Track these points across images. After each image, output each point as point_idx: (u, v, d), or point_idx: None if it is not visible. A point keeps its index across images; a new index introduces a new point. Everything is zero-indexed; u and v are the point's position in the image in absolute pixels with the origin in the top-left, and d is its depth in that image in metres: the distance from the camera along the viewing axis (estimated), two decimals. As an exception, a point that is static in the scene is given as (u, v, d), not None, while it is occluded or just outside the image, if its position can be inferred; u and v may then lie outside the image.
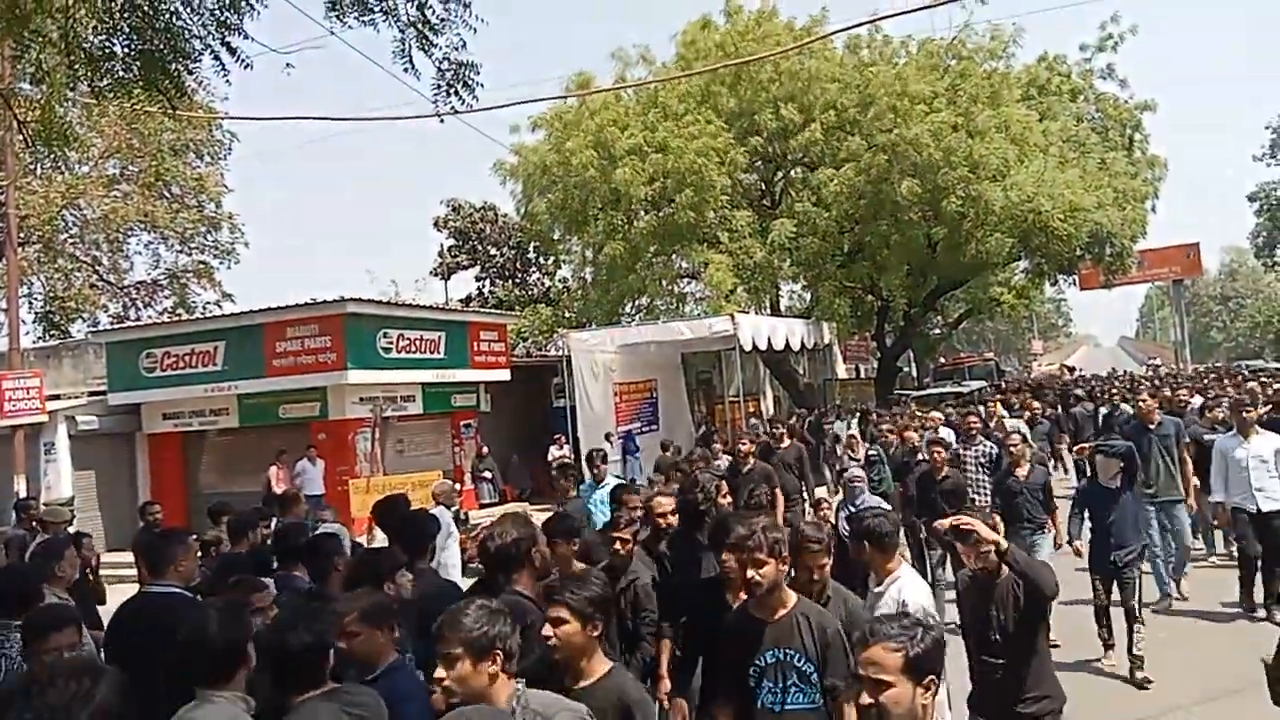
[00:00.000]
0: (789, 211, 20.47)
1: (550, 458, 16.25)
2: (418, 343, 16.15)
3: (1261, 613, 7.40)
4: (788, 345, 18.55)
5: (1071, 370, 44.44)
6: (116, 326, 22.44)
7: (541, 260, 32.50)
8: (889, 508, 6.88)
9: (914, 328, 26.33)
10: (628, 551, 4.56)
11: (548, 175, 20.87)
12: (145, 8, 5.22)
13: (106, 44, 5.32)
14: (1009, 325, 60.53)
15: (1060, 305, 76.43)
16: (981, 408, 13.17)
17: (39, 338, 25.28)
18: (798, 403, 22.69)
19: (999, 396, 19.83)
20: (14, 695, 2.02)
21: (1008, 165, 18.92)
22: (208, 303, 28.77)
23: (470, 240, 33.43)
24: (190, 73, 5.81)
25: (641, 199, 19.76)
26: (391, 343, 15.53)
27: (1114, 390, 19.86)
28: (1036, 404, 16.57)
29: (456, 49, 5.50)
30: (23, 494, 12.99)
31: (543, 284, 32.88)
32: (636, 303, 22.73)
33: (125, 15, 5.23)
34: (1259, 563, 7.43)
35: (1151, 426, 8.45)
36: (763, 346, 17.35)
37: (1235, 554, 8.02)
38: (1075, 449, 10.15)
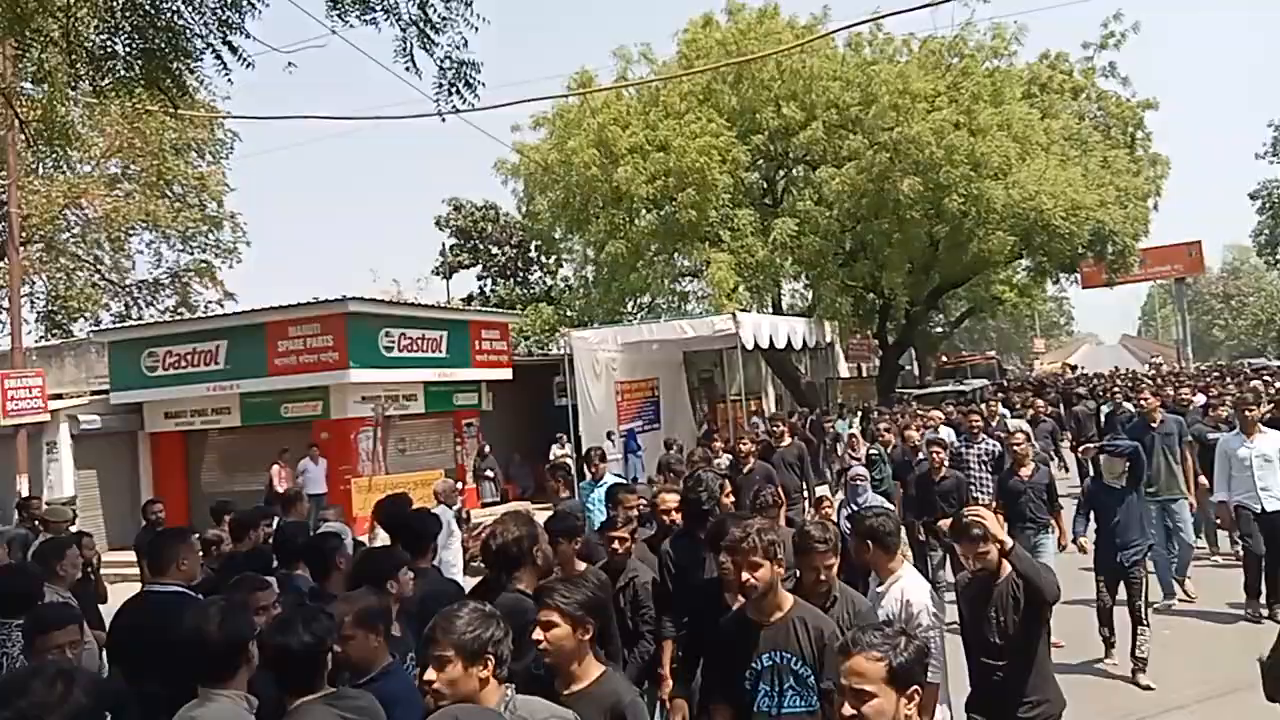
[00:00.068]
0: (791, 210, 20.46)
1: (552, 456, 16.25)
2: (420, 342, 16.16)
3: (1264, 612, 7.38)
4: (789, 344, 18.54)
5: (1073, 369, 44.42)
6: (119, 326, 22.45)
7: (543, 259, 32.50)
8: (891, 507, 6.88)
9: (916, 326, 26.31)
10: (626, 550, 4.55)
11: (549, 174, 20.88)
12: (147, 7, 5.22)
13: (108, 43, 5.33)
14: (1011, 324, 60.47)
15: (1062, 303, 76.25)
16: (983, 406, 13.13)
17: (41, 337, 25.33)
18: (800, 401, 22.69)
19: (1000, 395, 19.81)
20: None
21: (1009, 163, 18.91)
22: (210, 302, 28.83)
23: (472, 239, 33.41)
24: (192, 71, 5.81)
25: (643, 197, 19.75)
26: (393, 342, 15.54)
27: (1116, 389, 19.82)
28: (1041, 402, 16.54)
29: (458, 47, 5.50)
30: (25, 493, 13.00)
31: (544, 283, 32.87)
32: (638, 301, 22.75)
33: (127, 14, 5.23)
34: (1263, 562, 7.40)
35: (1154, 425, 8.43)
36: (764, 345, 17.35)
37: (1240, 553, 8.00)
38: (1082, 449, 10.13)
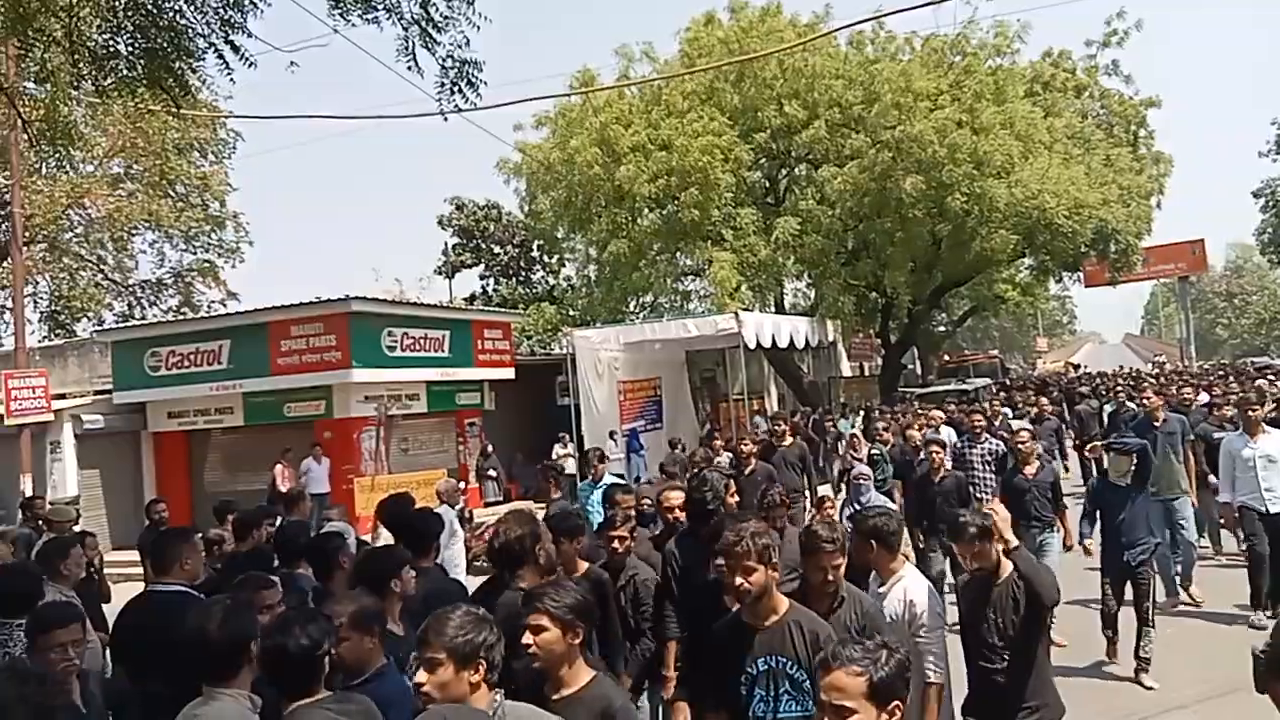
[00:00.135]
0: (793, 209, 20.44)
1: (554, 456, 16.26)
2: (422, 341, 16.18)
3: (1266, 613, 7.35)
4: (792, 343, 18.54)
5: (1076, 367, 44.39)
6: (122, 325, 22.50)
7: (545, 258, 32.49)
8: (894, 506, 6.86)
9: (918, 325, 26.29)
10: (625, 549, 4.56)
11: (552, 173, 20.88)
12: (149, 6, 5.22)
13: (110, 43, 5.33)
14: (1014, 322, 60.43)
15: (1065, 302, 76.19)
16: (986, 406, 13.11)
17: (44, 337, 25.38)
18: (802, 401, 22.68)
19: (1003, 394, 19.76)
20: None
21: (1012, 162, 18.88)
22: (213, 301, 28.83)
23: (474, 238, 33.41)
24: (194, 71, 5.81)
25: (645, 196, 19.74)
26: (396, 341, 15.55)
27: (1119, 388, 19.78)
28: (1045, 401, 16.49)
29: (460, 46, 5.50)
30: (29, 493, 13.03)
31: (547, 282, 32.86)
32: (641, 301, 22.75)
33: (129, 14, 5.24)
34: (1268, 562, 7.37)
35: (1157, 424, 8.42)
36: (767, 344, 17.34)
37: (1244, 553, 7.96)
38: (1089, 447, 10.09)
